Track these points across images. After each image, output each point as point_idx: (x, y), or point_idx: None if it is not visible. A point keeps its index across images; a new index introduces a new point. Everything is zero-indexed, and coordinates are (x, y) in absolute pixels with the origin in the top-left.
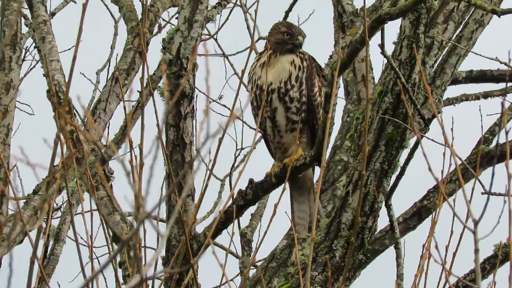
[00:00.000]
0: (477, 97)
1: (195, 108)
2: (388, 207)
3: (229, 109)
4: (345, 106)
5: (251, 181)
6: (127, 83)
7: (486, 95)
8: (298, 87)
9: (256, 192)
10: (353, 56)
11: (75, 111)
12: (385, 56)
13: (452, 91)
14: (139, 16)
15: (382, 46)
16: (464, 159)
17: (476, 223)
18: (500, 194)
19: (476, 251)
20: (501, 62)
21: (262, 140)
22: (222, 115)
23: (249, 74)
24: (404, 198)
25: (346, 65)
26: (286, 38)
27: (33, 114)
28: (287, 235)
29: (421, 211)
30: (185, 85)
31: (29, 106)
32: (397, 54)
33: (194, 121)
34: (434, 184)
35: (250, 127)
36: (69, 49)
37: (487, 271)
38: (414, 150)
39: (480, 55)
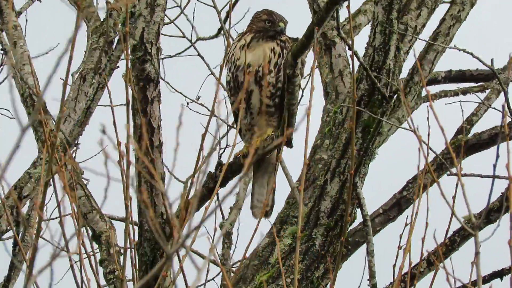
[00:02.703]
0: (455, 93)
1: (161, 92)
2: (355, 185)
3: (207, 108)
4: (324, 106)
5: (220, 163)
6: (94, 82)
7: (465, 91)
8: (275, 73)
9: (226, 174)
10: (312, 37)
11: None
12: (341, 37)
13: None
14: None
15: (338, 28)
16: (443, 149)
17: (477, 226)
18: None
19: (477, 254)
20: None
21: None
22: (200, 113)
23: (228, 54)
24: (384, 190)
25: (305, 46)
26: (267, 26)
27: (14, 118)
28: (269, 233)
29: (400, 202)
30: (150, 69)
31: (8, 110)
32: (371, 40)
33: (160, 105)
34: (414, 175)
35: (231, 126)
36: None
37: (457, 243)
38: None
39: (461, 49)
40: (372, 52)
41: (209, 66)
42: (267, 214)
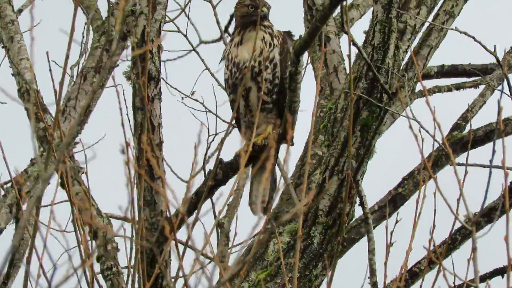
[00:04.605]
0: (449, 88)
1: (161, 90)
2: (356, 183)
3: (202, 103)
4: (318, 102)
5: (220, 161)
6: (95, 81)
7: (458, 86)
8: (272, 68)
9: (226, 171)
10: (314, 34)
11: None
12: (346, 33)
13: (425, 83)
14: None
15: (342, 23)
16: (437, 147)
17: (474, 222)
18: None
19: (474, 249)
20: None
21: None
22: (194, 109)
23: (225, 52)
24: (379, 186)
25: (308, 43)
26: (251, 11)
27: (5, 103)
28: (264, 229)
29: (396, 199)
30: (151, 67)
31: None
32: (370, 39)
33: (161, 103)
34: (409, 172)
35: (224, 121)
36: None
37: (458, 241)
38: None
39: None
40: (371, 51)
41: (203, 61)
42: (265, 210)
